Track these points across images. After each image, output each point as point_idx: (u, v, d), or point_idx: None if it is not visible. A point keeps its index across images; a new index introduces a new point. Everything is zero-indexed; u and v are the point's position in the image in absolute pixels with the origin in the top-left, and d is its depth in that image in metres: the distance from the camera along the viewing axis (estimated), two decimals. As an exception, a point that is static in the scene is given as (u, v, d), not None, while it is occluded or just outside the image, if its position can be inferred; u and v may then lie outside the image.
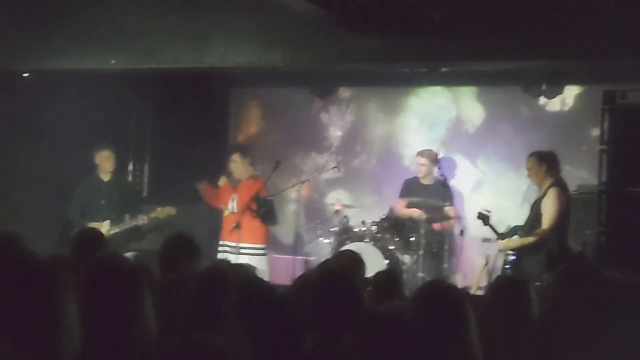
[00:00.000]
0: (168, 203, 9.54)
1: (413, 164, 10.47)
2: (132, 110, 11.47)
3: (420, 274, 9.31)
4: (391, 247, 9.46)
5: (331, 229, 9.93)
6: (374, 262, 8.71)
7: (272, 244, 9.92)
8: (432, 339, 3.35)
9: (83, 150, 9.66)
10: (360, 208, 10.40)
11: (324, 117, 11.50)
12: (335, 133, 11.44)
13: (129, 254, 6.54)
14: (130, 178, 11.32)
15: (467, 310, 3.44)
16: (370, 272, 5.75)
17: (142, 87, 11.04)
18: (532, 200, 8.62)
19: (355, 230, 9.76)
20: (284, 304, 3.72)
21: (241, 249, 9.27)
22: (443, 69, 9.39)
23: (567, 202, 8.26)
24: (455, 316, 3.42)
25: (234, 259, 8.98)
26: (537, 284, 7.58)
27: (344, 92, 11.49)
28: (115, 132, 10.72)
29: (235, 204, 9.54)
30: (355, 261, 5.59)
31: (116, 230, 9.33)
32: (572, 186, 8.86)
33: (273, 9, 8.32)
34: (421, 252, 9.42)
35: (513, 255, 8.32)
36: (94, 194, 9.52)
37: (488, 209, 8.57)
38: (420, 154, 10.08)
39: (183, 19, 8.98)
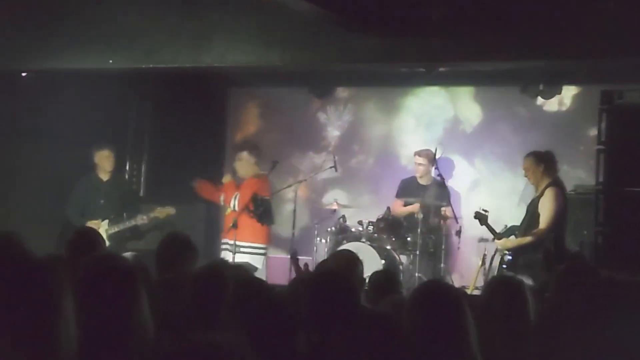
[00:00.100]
0: (166, 202, 9.53)
1: (410, 164, 10.48)
2: (131, 109, 11.46)
3: (417, 274, 9.32)
4: (388, 247, 9.46)
5: (328, 229, 9.93)
6: (371, 262, 8.71)
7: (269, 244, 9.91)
8: (431, 339, 3.35)
9: (82, 149, 9.65)
10: (358, 208, 10.41)
11: (322, 117, 11.50)
12: (333, 133, 11.44)
13: (128, 254, 6.52)
14: (127, 177, 11.30)
15: (465, 310, 3.43)
16: (367, 272, 5.74)
17: (141, 86, 11.04)
18: (529, 200, 8.62)
19: (352, 230, 9.76)
20: (280, 304, 3.72)
21: (242, 248, 9.26)
22: (441, 69, 9.39)
23: (564, 202, 8.25)
24: (453, 316, 3.41)
25: (234, 257, 8.99)
26: (534, 284, 7.60)
27: (342, 92, 11.49)
28: (114, 132, 10.70)
29: (236, 202, 9.53)
30: (352, 260, 5.59)
31: (115, 229, 9.33)
32: (569, 186, 8.86)
33: (272, 8, 8.32)
34: (418, 252, 9.42)
35: (510, 255, 8.32)
36: (93, 193, 9.52)
37: (485, 208, 8.57)
38: (418, 153, 10.09)
39: (182, 19, 8.97)
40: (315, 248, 10.10)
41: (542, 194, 8.23)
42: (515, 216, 8.96)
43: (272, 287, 4.84)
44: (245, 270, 5.27)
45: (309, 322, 3.82)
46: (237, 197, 9.54)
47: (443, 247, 9.69)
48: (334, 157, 10.37)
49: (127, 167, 11.37)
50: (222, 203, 9.92)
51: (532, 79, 10.21)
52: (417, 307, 3.50)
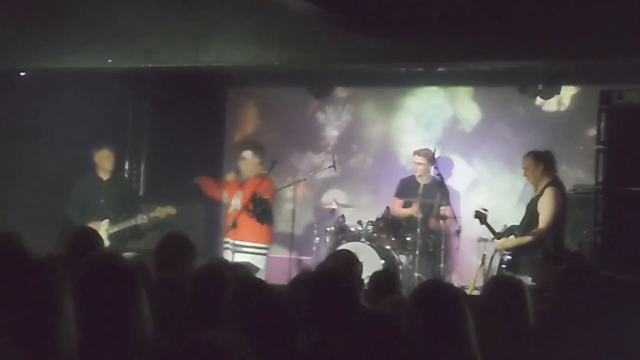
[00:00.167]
0: (165, 202, 9.53)
1: (409, 164, 10.47)
2: (130, 109, 11.46)
3: (416, 274, 9.31)
4: (387, 247, 9.46)
5: (327, 229, 9.92)
6: (370, 262, 8.71)
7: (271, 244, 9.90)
8: (431, 339, 3.34)
9: (81, 149, 9.65)
10: (357, 208, 10.40)
11: (321, 116, 11.50)
12: (332, 133, 11.45)
13: (128, 254, 6.51)
14: (126, 177, 11.30)
15: (465, 309, 3.43)
16: (366, 272, 5.74)
17: (140, 86, 11.03)
18: (529, 200, 8.62)
19: (351, 229, 9.75)
20: (280, 304, 3.71)
21: (243, 248, 9.26)
22: (440, 69, 9.39)
23: (563, 202, 8.26)
24: (453, 316, 3.41)
25: (235, 257, 8.98)
26: (533, 283, 7.61)
27: (341, 92, 11.49)
28: (113, 131, 10.70)
29: (238, 201, 9.52)
30: (351, 261, 5.58)
31: (115, 229, 9.32)
32: (568, 186, 8.86)
33: (271, 8, 8.31)
34: (417, 252, 9.42)
35: (509, 255, 8.32)
36: (94, 193, 9.51)
37: (485, 208, 8.57)
38: (417, 152, 10.08)
39: (181, 19, 8.97)
40: (314, 248, 10.09)
41: (541, 194, 8.24)
42: (514, 216, 8.96)
43: (272, 287, 4.83)
44: (244, 270, 5.27)
45: (309, 322, 3.82)
46: (239, 196, 9.52)
47: (442, 247, 9.68)
48: (333, 157, 10.37)
49: (127, 167, 11.36)
50: (225, 200, 9.93)
51: (531, 79, 10.21)
52: (417, 307, 3.50)
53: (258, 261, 9.20)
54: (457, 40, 8.11)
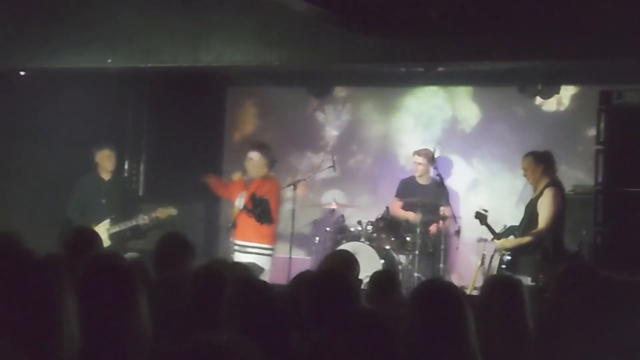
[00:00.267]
0: (164, 202, 9.52)
1: (409, 164, 10.48)
2: (129, 109, 11.46)
3: (416, 274, 9.32)
4: (387, 247, 9.46)
5: (327, 229, 9.92)
6: (370, 262, 8.72)
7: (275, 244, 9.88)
8: (431, 339, 3.34)
9: (81, 149, 9.65)
10: (356, 208, 10.41)
11: (320, 116, 11.51)
12: (331, 132, 11.45)
13: (129, 255, 6.50)
14: (126, 176, 11.29)
15: (465, 309, 3.43)
16: (366, 272, 5.74)
17: (140, 86, 11.03)
18: (528, 201, 8.62)
19: (351, 230, 9.76)
20: (279, 303, 3.71)
21: (248, 248, 9.23)
22: (439, 69, 9.39)
23: (563, 202, 8.26)
24: (453, 315, 3.40)
25: (240, 257, 8.95)
26: (533, 283, 7.61)
27: (340, 92, 11.50)
28: (113, 131, 10.70)
29: (242, 201, 9.50)
30: (349, 261, 5.58)
31: (116, 229, 9.32)
32: (568, 186, 8.86)
33: (271, 8, 8.31)
34: (417, 252, 9.42)
35: (509, 255, 8.32)
36: (95, 192, 9.50)
37: (485, 208, 8.57)
38: (417, 152, 10.08)
39: (181, 19, 8.96)
40: (314, 248, 10.09)
41: (540, 194, 8.24)
42: (514, 216, 8.96)
43: (272, 286, 4.83)
44: (244, 270, 5.26)
45: (308, 321, 3.82)
46: (244, 196, 9.48)
47: (442, 247, 9.69)
48: (333, 157, 10.37)
49: (126, 167, 11.36)
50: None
51: (530, 78, 10.21)
52: (417, 307, 3.49)
53: (263, 262, 9.15)
54: (457, 40, 8.11)
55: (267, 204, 9.26)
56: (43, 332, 1.83)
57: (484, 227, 8.48)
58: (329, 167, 10.34)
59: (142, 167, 11.53)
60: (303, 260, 10.07)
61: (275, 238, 9.50)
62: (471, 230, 9.42)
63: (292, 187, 9.83)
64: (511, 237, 8.43)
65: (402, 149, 11.03)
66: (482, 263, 8.93)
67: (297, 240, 10.16)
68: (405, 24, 8.07)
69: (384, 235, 9.51)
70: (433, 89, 10.99)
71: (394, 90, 11.15)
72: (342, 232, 9.77)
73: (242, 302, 3.75)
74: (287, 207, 10.02)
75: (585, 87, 10.16)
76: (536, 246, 8.07)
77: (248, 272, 5.18)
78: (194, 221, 10.15)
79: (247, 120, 11.89)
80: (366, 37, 8.31)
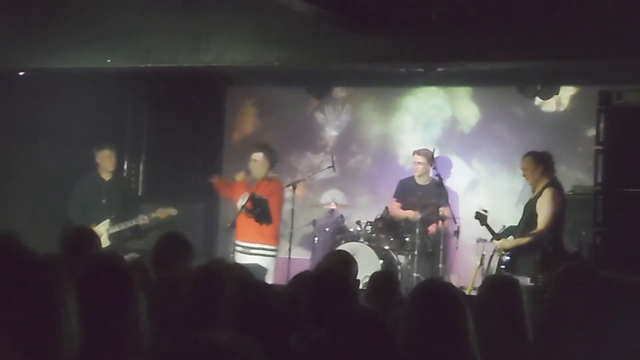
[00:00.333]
0: (164, 202, 9.53)
1: (408, 164, 10.48)
2: (129, 109, 11.46)
3: (415, 274, 9.31)
4: (386, 247, 9.45)
5: (326, 229, 9.92)
6: (369, 262, 8.72)
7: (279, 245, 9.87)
8: (430, 339, 3.34)
9: (81, 149, 9.65)
10: (356, 208, 10.41)
11: (320, 116, 11.51)
12: (331, 133, 11.45)
13: (129, 255, 6.51)
14: (125, 177, 11.29)
15: (464, 309, 3.42)
16: (365, 272, 5.75)
17: (139, 86, 11.03)
18: (527, 201, 8.62)
19: (350, 230, 9.76)
20: (276, 304, 3.71)
21: (251, 250, 9.22)
22: (439, 69, 9.39)
23: (562, 203, 8.26)
24: (453, 315, 3.40)
25: (243, 259, 8.95)
26: (532, 284, 7.61)
27: (340, 92, 11.50)
28: (112, 131, 10.70)
29: (244, 202, 9.49)
30: (347, 261, 5.59)
31: (116, 229, 9.32)
32: (567, 187, 8.86)
33: (271, 8, 8.31)
34: (416, 252, 9.42)
35: (508, 255, 8.32)
36: (95, 193, 9.51)
37: (485, 208, 8.57)
38: (417, 152, 10.09)
39: (181, 19, 8.97)
40: (313, 248, 10.09)
41: (540, 195, 8.24)
42: (513, 216, 8.96)
43: (272, 287, 4.84)
44: (243, 270, 5.27)
45: (307, 321, 3.82)
46: (246, 197, 9.47)
47: (441, 247, 9.69)
48: (332, 157, 10.36)
49: (125, 167, 11.36)
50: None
51: (529, 79, 10.21)
52: (416, 307, 3.49)
53: (266, 263, 9.15)
54: (457, 40, 8.12)
55: (266, 204, 9.26)
56: (43, 332, 1.83)
57: (483, 227, 8.48)
58: (329, 167, 10.34)
59: (142, 167, 11.53)
60: (302, 260, 10.06)
61: (278, 239, 9.49)
62: (470, 230, 9.42)
63: (291, 187, 9.83)
64: (510, 237, 8.43)
65: (401, 149, 11.03)
66: (481, 263, 8.93)
67: (296, 240, 10.16)
68: (405, 24, 8.07)
69: (383, 236, 9.51)
70: (433, 89, 10.99)
71: (393, 90, 11.15)
72: (342, 232, 9.77)
73: (241, 302, 3.75)
74: (286, 207, 10.01)
75: (584, 88, 10.16)
76: (535, 246, 8.07)
77: (247, 273, 5.18)
78: (194, 221, 10.15)
79: (246, 121, 11.89)
80: (366, 37, 8.32)
